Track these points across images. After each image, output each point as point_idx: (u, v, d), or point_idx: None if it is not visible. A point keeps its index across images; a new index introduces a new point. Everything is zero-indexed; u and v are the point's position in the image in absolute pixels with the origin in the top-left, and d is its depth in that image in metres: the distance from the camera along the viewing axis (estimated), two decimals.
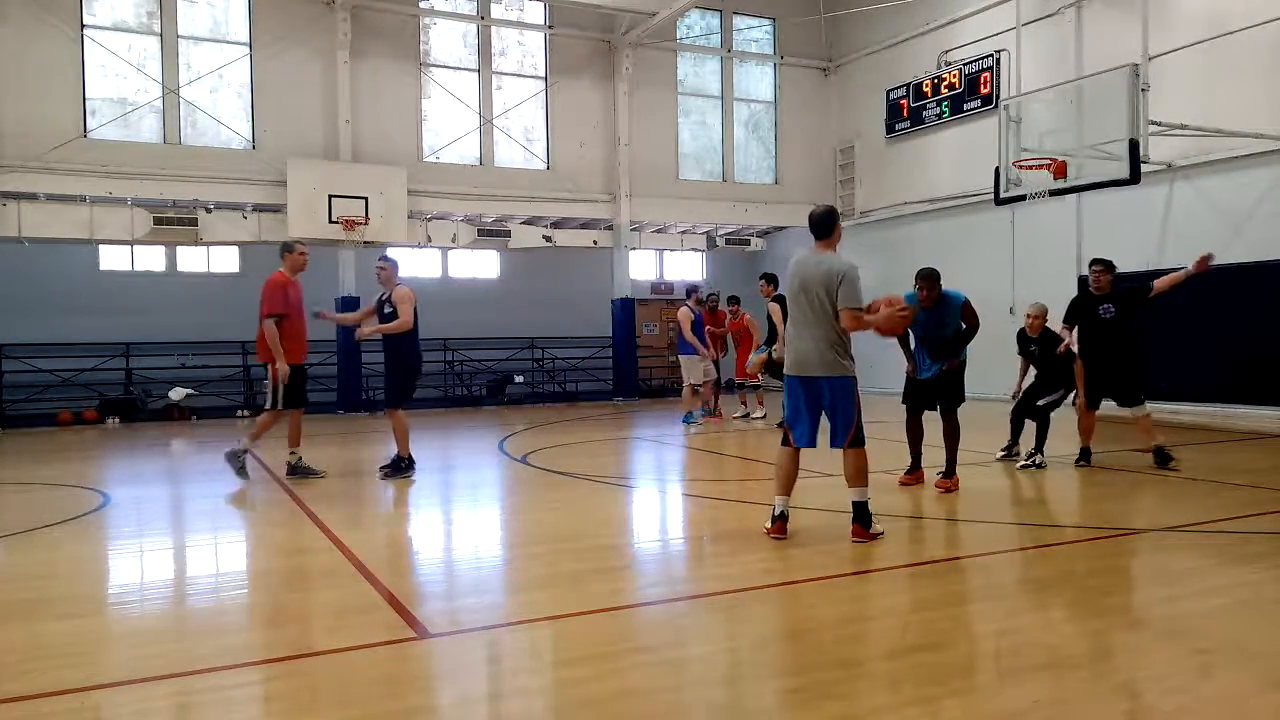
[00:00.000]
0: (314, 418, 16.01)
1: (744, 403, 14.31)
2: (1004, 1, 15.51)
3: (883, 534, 5.76)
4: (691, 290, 14.51)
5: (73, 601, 4.84)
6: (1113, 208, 13.98)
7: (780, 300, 11.01)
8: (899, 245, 18.61)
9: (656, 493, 8.42)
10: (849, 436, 5.70)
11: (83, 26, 14.95)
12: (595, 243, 19.07)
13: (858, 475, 5.69)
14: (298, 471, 8.66)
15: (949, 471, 7.58)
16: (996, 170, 12.37)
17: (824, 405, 5.76)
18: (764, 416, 13.65)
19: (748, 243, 21.01)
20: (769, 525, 5.79)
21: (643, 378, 20.47)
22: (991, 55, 16.22)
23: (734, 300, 14.52)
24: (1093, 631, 4.13)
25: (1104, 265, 8.52)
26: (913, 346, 7.73)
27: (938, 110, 17.46)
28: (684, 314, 13.76)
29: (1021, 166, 12.00)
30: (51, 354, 16.38)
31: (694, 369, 13.69)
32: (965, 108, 16.82)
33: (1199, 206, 13.18)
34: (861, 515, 5.69)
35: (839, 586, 4.91)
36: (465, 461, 10.96)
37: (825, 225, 5.84)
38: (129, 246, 17.21)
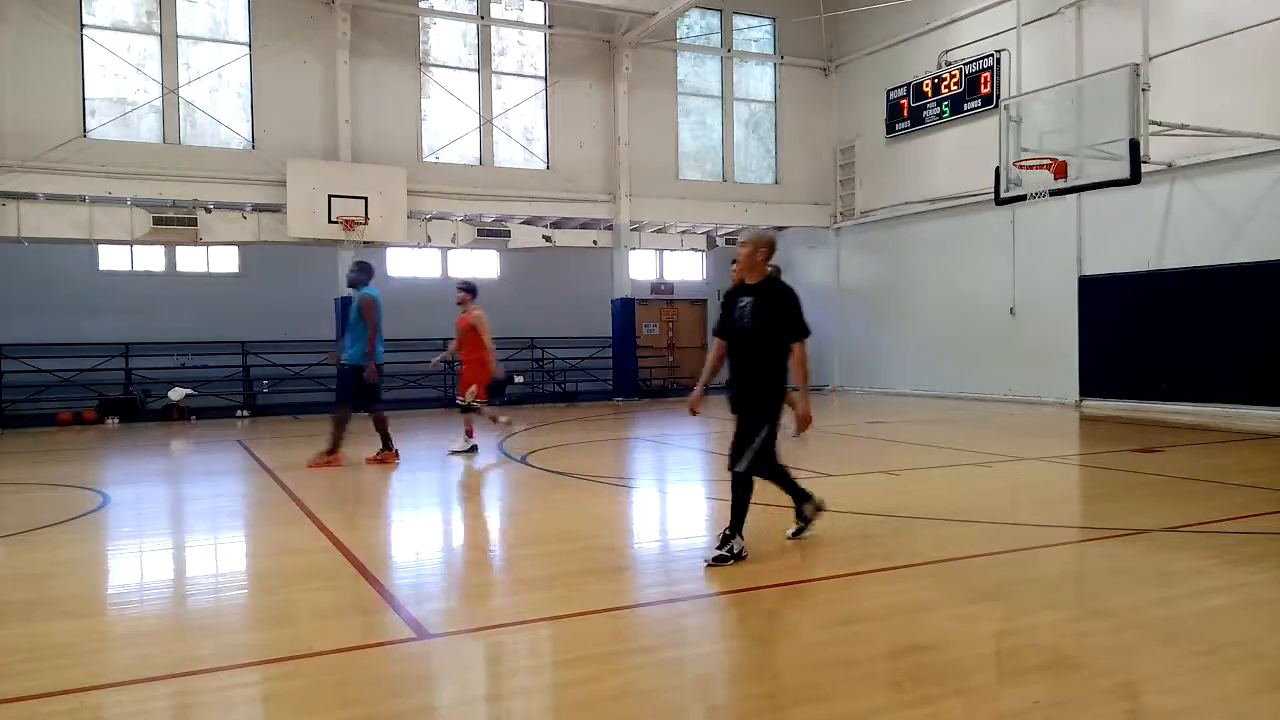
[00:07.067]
0: (313, 417, 16.02)
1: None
2: (1004, 1, 15.51)
3: None
4: None
5: (73, 601, 4.84)
6: (1113, 208, 13.97)
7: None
8: (899, 245, 18.60)
9: (656, 493, 8.41)
10: None
11: (82, 26, 14.93)
12: (595, 243, 19.06)
13: None
14: None
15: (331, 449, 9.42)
16: (997, 170, 12.37)
17: None
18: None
19: None
20: None
21: (643, 378, 20.45)
22: (991, 55, 16.21)
23: None
24: (1092, 631, 4.12)
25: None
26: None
27: (938, 110, 17.45)
28: None
29: (1022, 166, 12.00)
30: (51, 354, 16.36)
31: None
32: (965, 108, 16.81)
33: (1199, 206, 13.18)
34: None
35: (838, 586, 4.91)
36: (465, 462, 10.94)
37: None
38: (128, 246, 17.18)
